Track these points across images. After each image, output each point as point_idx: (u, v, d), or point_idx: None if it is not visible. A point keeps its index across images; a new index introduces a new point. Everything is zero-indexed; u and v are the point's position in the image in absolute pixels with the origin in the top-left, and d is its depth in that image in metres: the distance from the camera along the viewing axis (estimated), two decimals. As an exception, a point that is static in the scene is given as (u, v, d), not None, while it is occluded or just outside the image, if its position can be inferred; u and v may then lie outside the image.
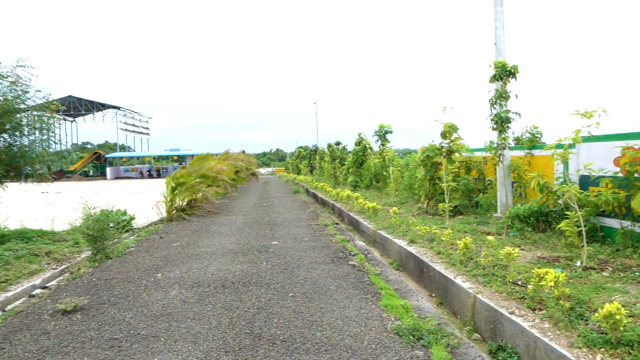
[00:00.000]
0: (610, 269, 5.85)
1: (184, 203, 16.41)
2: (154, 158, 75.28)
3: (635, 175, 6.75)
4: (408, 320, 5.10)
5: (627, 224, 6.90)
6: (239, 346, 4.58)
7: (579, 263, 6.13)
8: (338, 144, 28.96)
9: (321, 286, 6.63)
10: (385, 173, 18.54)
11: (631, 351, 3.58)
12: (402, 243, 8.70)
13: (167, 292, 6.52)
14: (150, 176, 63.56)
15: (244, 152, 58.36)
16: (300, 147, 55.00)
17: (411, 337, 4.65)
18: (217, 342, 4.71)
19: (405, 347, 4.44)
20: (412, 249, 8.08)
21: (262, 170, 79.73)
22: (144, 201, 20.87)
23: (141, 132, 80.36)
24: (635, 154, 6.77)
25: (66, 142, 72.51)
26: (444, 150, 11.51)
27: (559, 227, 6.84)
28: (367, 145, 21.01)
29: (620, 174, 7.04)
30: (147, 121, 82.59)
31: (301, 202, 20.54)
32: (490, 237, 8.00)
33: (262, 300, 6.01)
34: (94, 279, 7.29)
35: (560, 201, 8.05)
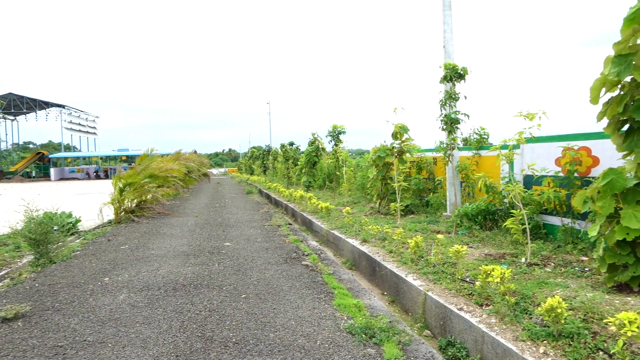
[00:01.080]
0: (552, 264, 6.11)
1: (133, 204, 15.97)
2: (101, 158, 72.87)
3: (575, 174, 7.07)
4: (360, 318, 5.15)
5: (567, 221, 7.22)
6: (190, 350, 4.49)
7: (523, 259, 6.36)
8: (291, 144, 28.93)
9: (274, 287, 6.60)
10: (338, 173, 18.66)
11: (571, 342, 3.74)
12: (354, 242, 8.78)
13: (115, 296, 6.33)
14: (98, 177, 61.55)
15: (195, 152, 57.51)
16: (254, 148, 54.63)
17: (363, 335, 4.69)
18: (168, 346, 4.60)
19: (358, 346, 4.48)
20: (365, 248, 8.17)
21: (215, 171, 78.65)
22: (90, 203, 20.17)
23: (88, 132, 77.61)
24: (575, 154, 7.09)
25: (6, 141, 69.25)
26: (395, 150, 11.70)
27: (505, 225, 7.08)
28: (320, 146, 21.10)
29: (561, 174, 7.36)
30: (94, 120, 79.86)
31: (254, 202, 20.39)
32: (440, 236, 8.19)
33: (214, 303, 5.92)
34: (37, 285, 6.98)
35: (505, 200, 8.34)
